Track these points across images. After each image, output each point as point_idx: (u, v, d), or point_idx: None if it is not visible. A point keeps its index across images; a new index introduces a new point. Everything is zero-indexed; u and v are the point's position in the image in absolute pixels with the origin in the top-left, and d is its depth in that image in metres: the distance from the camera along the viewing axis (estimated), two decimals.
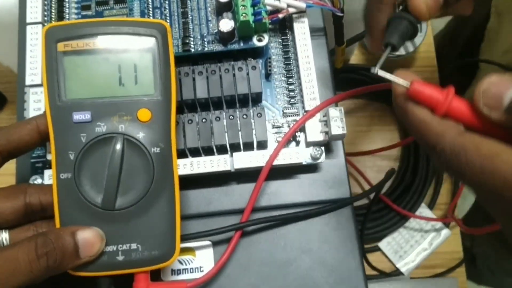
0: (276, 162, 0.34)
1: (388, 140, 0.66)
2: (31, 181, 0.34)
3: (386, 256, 0.61)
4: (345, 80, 0.65)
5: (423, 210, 0.62)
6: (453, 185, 0.64)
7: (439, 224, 0.62)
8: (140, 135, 0.30)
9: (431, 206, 0.63)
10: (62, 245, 0.27)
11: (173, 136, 0.30)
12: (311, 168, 0.36)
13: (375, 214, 0.60)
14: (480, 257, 0.78)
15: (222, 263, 0.33)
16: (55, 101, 0.30)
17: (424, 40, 0.66)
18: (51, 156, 0.30)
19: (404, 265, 0.61)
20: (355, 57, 0.69)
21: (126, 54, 0.30)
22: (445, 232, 0.62)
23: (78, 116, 0.29)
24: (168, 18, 0.37)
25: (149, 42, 0.30)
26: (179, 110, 0.35)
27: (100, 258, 0.29)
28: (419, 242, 0.61)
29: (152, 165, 0.30)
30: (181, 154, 0.34)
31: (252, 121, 0.34)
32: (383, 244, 0.61)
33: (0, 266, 0.25)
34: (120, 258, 0.29)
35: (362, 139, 0.66)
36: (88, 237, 0.28)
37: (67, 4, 0.38)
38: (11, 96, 0.66)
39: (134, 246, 0.29)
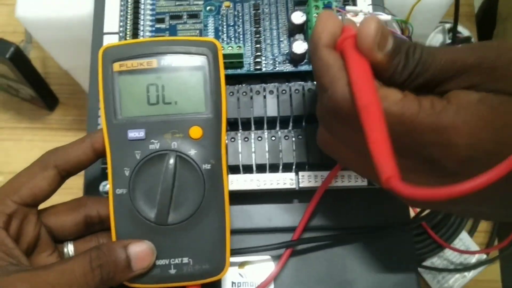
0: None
1: None
2: (101, 187, 0.35)
3: (425, 280, 0.61)
4: None
5: (463, 236, 0.62)
6: None
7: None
8: (192, 152, 0.30)
9: (471, 233, 0.63)
10: (115, 258, 0.28)
11: (223, 153, 0.31)
12: (372, 190, 0.36)
13: (415, 238, 0.60)
14: None
15: (272, 278, 0.34)
16: (111, 119, 0.30)
17: None
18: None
19: None
20: None
21: (178, 72, 0.31)
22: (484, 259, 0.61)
23: (132, 134, 0.30)
24: (241, 36, 0.38)
25: (200, 61, 0.31)
26: (247, 127, 0.36)
27: (153, 271, 0.30)
28: (458, 268, 0.61)
29: (203, 181, 0.30)
30: (247, 169, 0.35)
31: None
32: (422, 268, 0.61)
33: (59, 277, 0.26)
34: (172, 271, 0.30)
35: None
36: (140, 251, 0.29)
37: (142, 16, 0.40)
38: (63, 98, 0.68)
39: (185, 260, 0.30)
